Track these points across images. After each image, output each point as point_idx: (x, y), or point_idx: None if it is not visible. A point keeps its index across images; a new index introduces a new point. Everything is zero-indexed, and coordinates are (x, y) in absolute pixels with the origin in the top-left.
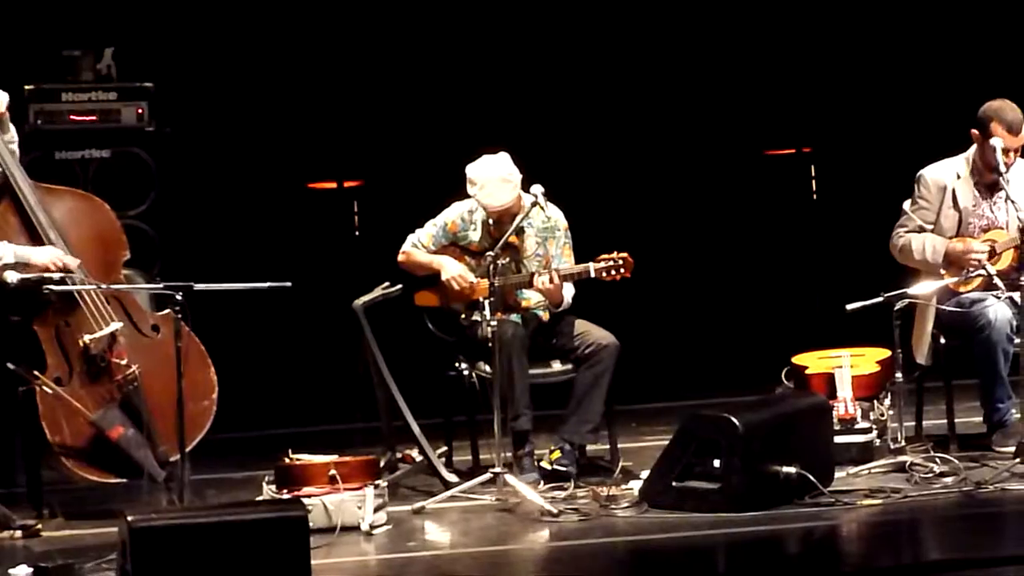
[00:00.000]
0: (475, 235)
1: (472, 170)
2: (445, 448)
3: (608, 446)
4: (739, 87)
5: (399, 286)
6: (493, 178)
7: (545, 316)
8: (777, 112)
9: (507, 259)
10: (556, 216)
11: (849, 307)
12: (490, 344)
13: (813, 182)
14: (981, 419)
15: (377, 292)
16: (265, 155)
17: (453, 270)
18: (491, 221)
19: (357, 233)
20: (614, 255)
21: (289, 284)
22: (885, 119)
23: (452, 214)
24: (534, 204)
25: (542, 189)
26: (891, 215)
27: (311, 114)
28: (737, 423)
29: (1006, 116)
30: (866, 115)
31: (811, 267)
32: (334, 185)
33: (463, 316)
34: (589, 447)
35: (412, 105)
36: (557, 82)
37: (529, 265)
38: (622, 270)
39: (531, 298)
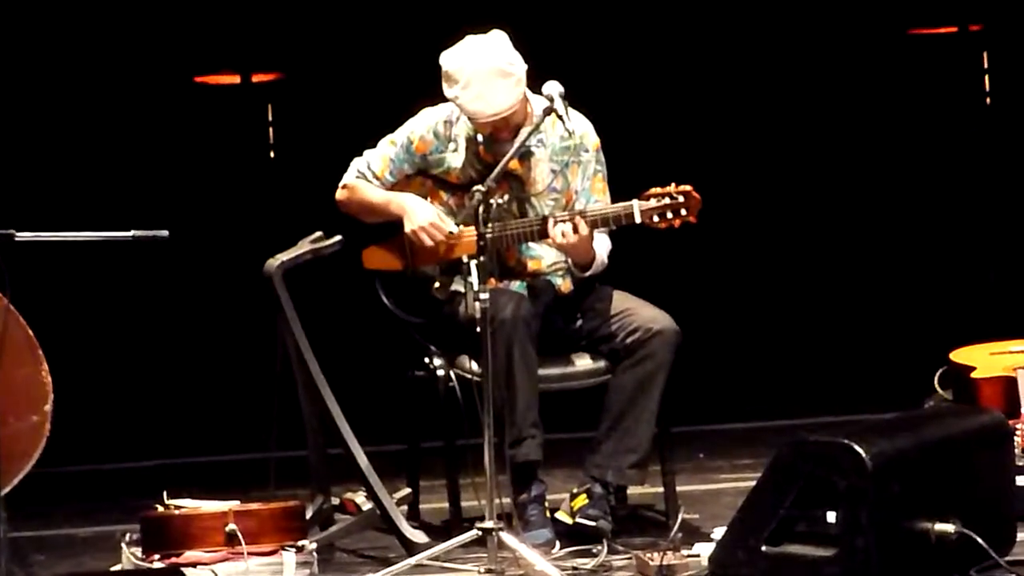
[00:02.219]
0: (455, 159)
1: (451, 60)
2: (407, 490)
3: (661, 489)
4: None
5: (337, 238)
6: (484, 71)
7: (565, 286)
8: None
9: (505, 196)
10: (583, 129)
11: None
12: (478, 328)
13: (985, 78)
14: None
15: (303, 247)
16: (126, 36)
17: (422, 215)
18: (481, 138)
19: (272, 154)
20: (670, 188)
21: (167, 233)
22: None
23: (420, 127)
24: (548, 111)
25: (560, 89)
26: None
27: None
28: (864, 455)
29: None
30: None
31: (980, 217)
32: (236, 79)
33: (436, 286)
34: (632, 489)
35: None
36: None
37: (540, 206)
38: (683, 212)
39: (543, 257)
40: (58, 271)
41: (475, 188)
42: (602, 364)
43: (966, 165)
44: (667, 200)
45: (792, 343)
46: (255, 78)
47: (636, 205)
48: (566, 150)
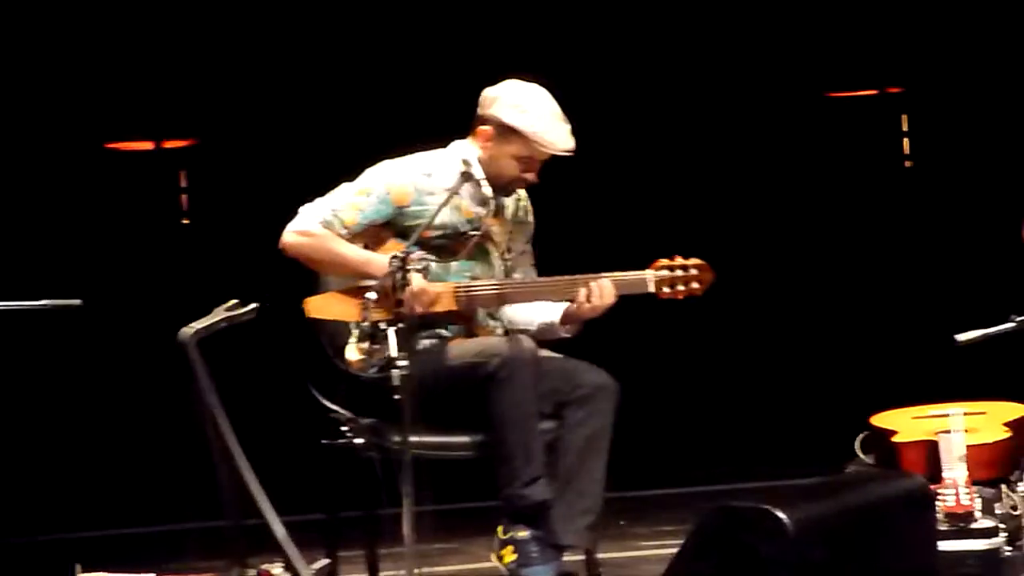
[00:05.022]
0: (443, 217)
1: (516, 93)
2: (326, 561)
3: (582, 556)
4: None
5: (253, 305)
6: (553, 110)
7: None
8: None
9: (476, 252)
10: (523, 193)
11: (960, 338)
12: (397, 396)
13: (905, 140)
14: None
15: (218, 315)
16: (35, 101)
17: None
18: (466, 191)
19: (185, 220)
20: (682, 260)
21: (79, 302)
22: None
23: (396, 178)
24: (467, 176)
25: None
26: None
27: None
28: (786, 520)
29: None
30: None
31: (902, 275)
32: (149, 145)
33: (356, 352)
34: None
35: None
36: None
37: (495, 266)
38: (694, 284)
39: (498, 326)
40: None
41: (392, 254)
42: (549, 425)
43: (886, 228)
44: (681, 272)
45: (712, 408)
46: (167, 144)
47: (651, 277)
48: (518, 211)
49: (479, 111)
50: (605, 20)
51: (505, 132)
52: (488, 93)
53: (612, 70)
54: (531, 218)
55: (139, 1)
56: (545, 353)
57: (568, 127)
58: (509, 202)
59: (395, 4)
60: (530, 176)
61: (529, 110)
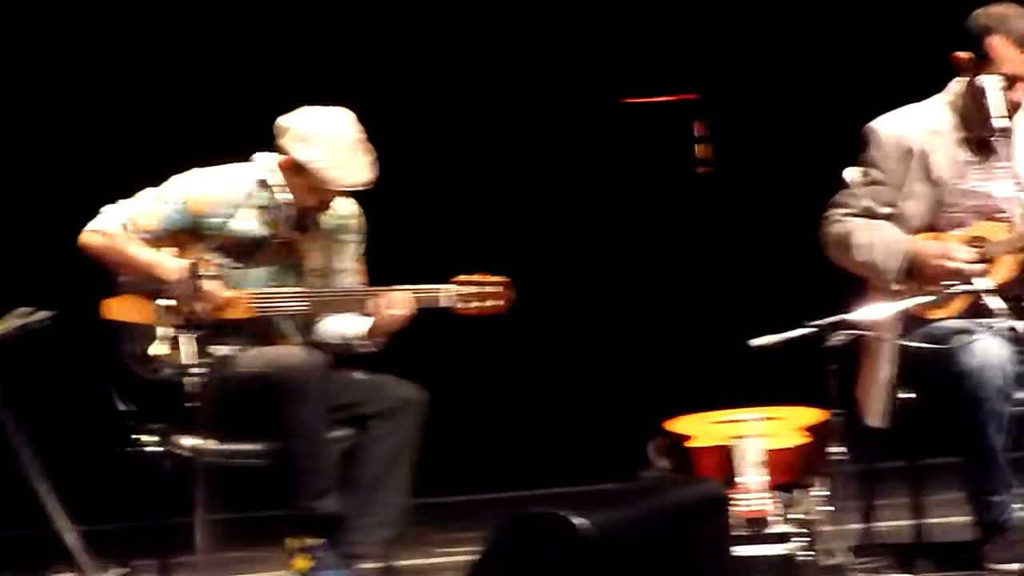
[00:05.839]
0: (240, 224)
1: (305, 123)
2: (125, 570)
3: (378, 565)
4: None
5: (48, 313)
6: (347, 141)
7: None
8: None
9: (280, 264)
10: (350, 209)
11: (754, 343)
12: (189, 403)
13: (699, 146)
14: (967, 518)
15: (11, 322)
16: None
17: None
18: (285, 207)
19: None
20: (484, 277)
21: None
22: (812, 41)
23: (197, 188)
24: (263, 184)
25: (280, 158)
26: (828, 192)
27: None
28: (580, 526)
29: (1016, 24)
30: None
31: (696, 281)
32: None
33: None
34: None
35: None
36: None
37: (309, 281)
38: (494, 302)
39: (294, 336)
40: None
41: (189, 261)
42: (348, 432)
43: (681, 234)
44: (482, 288)
45: (508, 415)
46: None
47: (449, 292)
48: (338, 229)
49: (275, 139)
50: (397, 28)
51: (294, 165)
52: (280, 123)
53: (408, 77)
54: (356, 236)
55: None
56: (355, 371)
57: (367, 158)
58: (327, 218)
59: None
60: (329, 204)
61: (318, 144)
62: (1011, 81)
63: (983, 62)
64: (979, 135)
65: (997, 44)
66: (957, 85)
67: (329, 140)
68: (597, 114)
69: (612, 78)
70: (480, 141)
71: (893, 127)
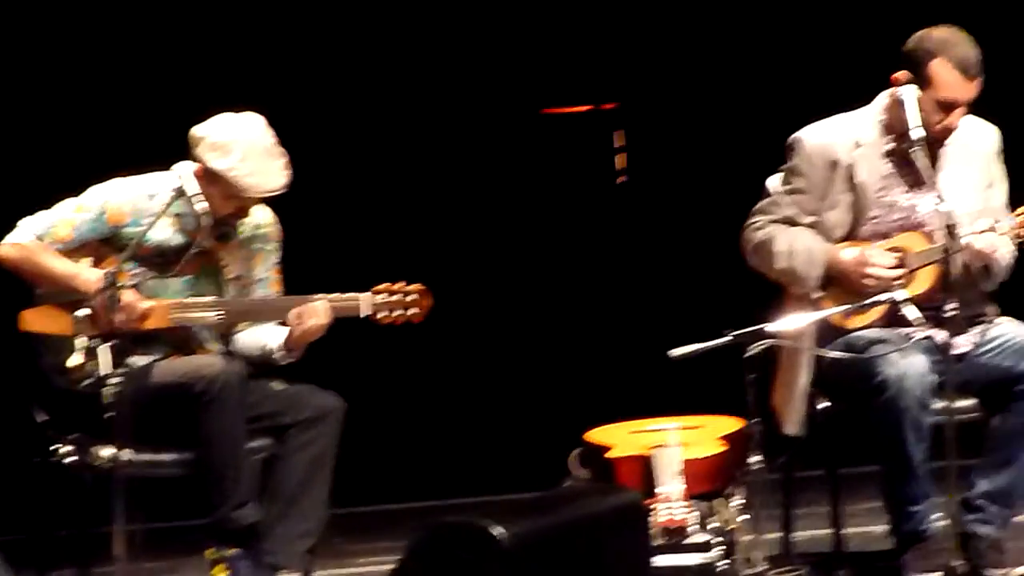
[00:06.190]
0: (157, 233)
1: (221, 131)
2: None
3: (299, 574)
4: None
5: None
6: (260, 147)
7: None
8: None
9: (198, 274)
10: (269, 219)
11: (673, 353)
12: (107, 414)
13: (618, 156)
14: (886, 527)
15: None
16: None
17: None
18: (201, 215)
19: None
20: (401, 286)
21: None
22: (730, 50)
23: (116, 197)
24: (179, 193)
25: (194, 167)
26: (747, 201)
27: None
28: (499, 535)
29: (958, 51)
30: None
31: (616, 291)
32: None
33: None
34: None
35: None
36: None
37: (228, 290)
38: (412, 310)
39: (214, 347)
40: None
41: (106, 271)
42: (267, 441)
43: (600, 244)
44: (399, 297)
45: (429, 425)
46: None
47: (365, 300)
48: (255, 238)
49: (190, 149)
50: (315, 32)
51: (210, 174)
52: (194, 132)
53: (326, 83)
54: (273, 245)
55: None
56: (274, 380)
57: (281, 162)
58: (245, 227)
59: None
60: (247, 212)
61: (232, 152)
62: (950, 106)
63: (923, 84)
64: (902, 147)
65: (939, 68)
66: (885, 98)
67: (243, 147)
68: (516, 123)
69: (531, 88)
70: (399, 149)
71: (819, 137)
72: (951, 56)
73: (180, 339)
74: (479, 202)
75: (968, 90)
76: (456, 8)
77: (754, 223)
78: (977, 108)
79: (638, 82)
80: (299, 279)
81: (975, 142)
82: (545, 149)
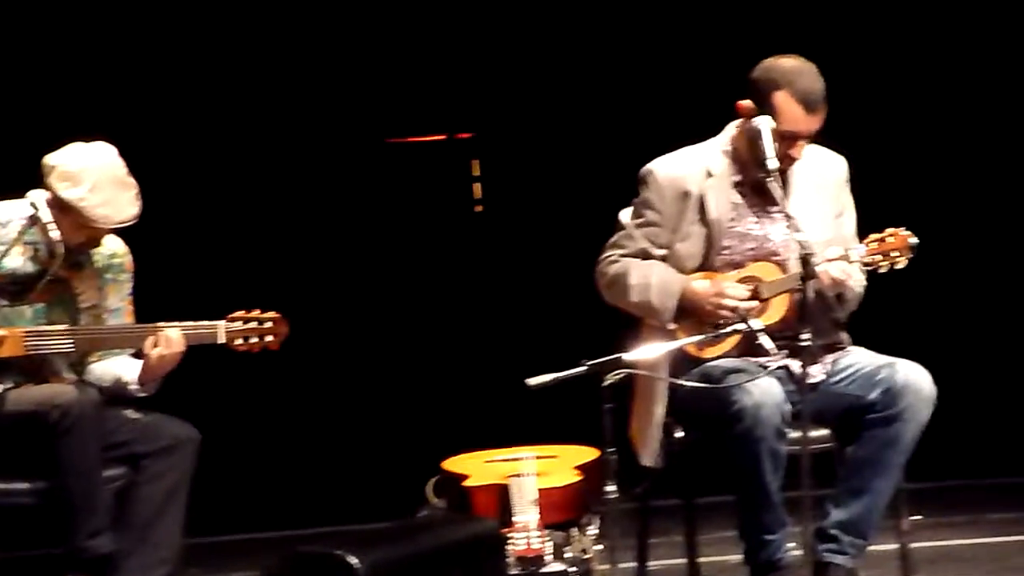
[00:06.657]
0: (9, 262)
1: (71, 160)
2: None
3: None
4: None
5: None
6: (110, 177)
7: None
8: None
9: (52, 302)
10: (124, 249)
11: (531, 382)
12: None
13: (475, 185)
14: (740, 556)
15: None
16: None
17: None
18: (56, 244)
19: None
20: (257, 313)
21: None
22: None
23: None
24: (34, 220)
25: (47, 196)
26: (604, 233)
27: None
28: (356, 565)
29: (802, 83)
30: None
31: (473, 320)
32: None
33: None
34: None
35: None
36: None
37: (76, 317)
38: (268, 337)
39: (70, 377)
40: None
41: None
42: (121, 470)
43: (456, 273)
44: (254, 324)
45: (281, 452)
46: None
47: (223, 328)
48: (110, 267)
49: (42, 178)
50: (162, 66)
51: (61, 203)
52: (46, 161)
53: (175, 117)
54: (126, 275)
55: None
56: (128, 409)
57: (132, 192)
58: (98, 256)
59: None
60: (99, 241)
61: (83, 182)
62: (792, 138)
63: (766, 114)
64: (754, 177)
65: (782, 100)
66: (733, 129)
67: (93, 178)
68: (366, 153)
69: (379, 117)
70: (252, 177)
71: (670, 169)
72: (795, 89)
73: (33, 367)
74: (335, 230)
75: (810, 123)
76: (317, 37)
77: (608, 257)
78: (824, 137)
79: (492, 112)
80: (152, 309)
81: (823, 171)
82: (399, 178)
